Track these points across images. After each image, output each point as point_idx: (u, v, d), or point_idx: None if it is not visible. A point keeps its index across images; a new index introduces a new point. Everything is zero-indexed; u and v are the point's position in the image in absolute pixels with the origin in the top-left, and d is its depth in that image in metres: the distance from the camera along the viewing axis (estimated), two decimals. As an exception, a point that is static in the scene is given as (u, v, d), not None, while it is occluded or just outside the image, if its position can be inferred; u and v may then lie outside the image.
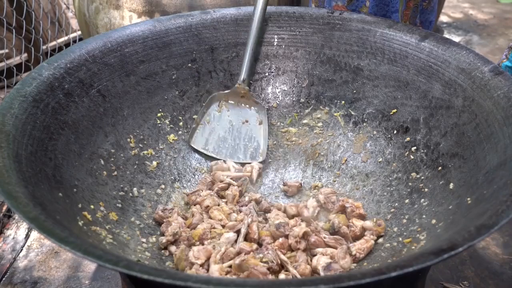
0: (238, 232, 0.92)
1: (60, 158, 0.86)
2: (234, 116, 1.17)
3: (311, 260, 0.89)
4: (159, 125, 1.11)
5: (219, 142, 1.15)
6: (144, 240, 0.93)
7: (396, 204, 0.99)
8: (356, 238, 0.96)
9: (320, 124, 1.18)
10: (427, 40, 1.05)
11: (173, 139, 1.12)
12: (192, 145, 1.14)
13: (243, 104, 1.17)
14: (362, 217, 1.00)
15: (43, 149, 0.83)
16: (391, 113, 1.09)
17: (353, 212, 0.99)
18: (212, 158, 1.15)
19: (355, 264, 0.91)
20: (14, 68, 1.97)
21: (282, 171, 1.16)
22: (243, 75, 1.14)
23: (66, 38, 2.36)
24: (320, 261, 0.87)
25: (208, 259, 0.87)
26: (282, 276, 0.84)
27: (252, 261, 0.82)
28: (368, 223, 0.96)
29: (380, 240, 0.95)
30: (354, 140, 1.14)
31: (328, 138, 1.16)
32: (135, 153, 1.05)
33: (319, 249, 0.90)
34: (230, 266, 0.84)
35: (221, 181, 1.07)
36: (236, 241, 0.91)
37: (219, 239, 0.91)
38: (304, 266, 0.86)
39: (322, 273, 0.85)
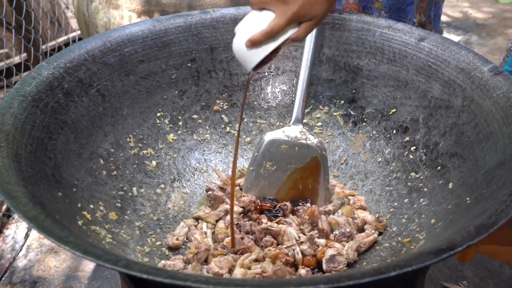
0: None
1: (60, 158, 0.86)
2: (287, 164, 1.03)
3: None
4: (159, 124, 1.11)
5: (274, 187, 1.05)
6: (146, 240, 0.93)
7: (395, 203, 0.99)
8: (359, 230, 0.97)
9: (319, 123, 1.18)
10: (426, 39, 1.05)
11: (172, 139, 1.12)
12: (248, 193, 1.06)
13: (297, 148, 1.02)
14: (363, 208, 1.01)
15: (43, 149, 0.83)
16: (391, 112, 1.10)
17: (355, 204, 1.01)
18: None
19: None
20: (14, 68, 1.97)
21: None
22: (295, 114, 1.04)
23: (65, 37, 2.36)
24: (326, 253, 0.89)
25: (230, 270, 0.87)
26: (302, 271, 0.86)
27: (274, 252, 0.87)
28: (369, 217, 0.97)
29: (379, 239, 0.95)
30: (354, 139, 1.14)
31: (328, 137, 1.16)
32: (135, 152, 1.05)
33: (322, 241, 0.92)
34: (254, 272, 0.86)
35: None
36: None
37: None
38: (309, 258, 0.90)
39: (325, 266, 0.87)
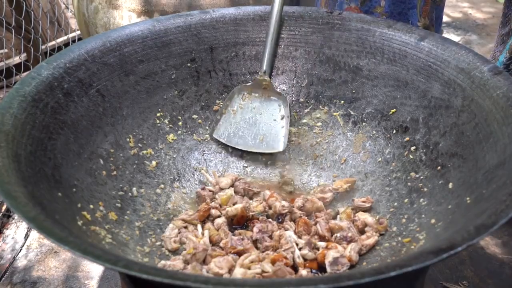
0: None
1: (60, 158, 0.86)
2: (256, 108, 1.17)
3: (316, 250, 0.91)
4: (159, 124, 1.11)
5: (240, 133, 1.16)
6: (146, 241, 0.93)
7: (395, 203, 0.99)
8: (359, 232, 0.97)
9: (319, 123, 1.18)
10: (426, 39, 1.05)
11: (172, 139, 1.12)
12: (215, 136, 1.16)
13: (265, 96, 1.17)
14: (368, 210, 1.01)
15: (42, 149, 0.83)
16: (391, 112, 1.10)
17: (359, 207, 1.01)
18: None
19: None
20: (14, 68, 1.97)
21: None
22: (264, 66, 1.15)
23: (65, 37, 2.36)
24: (328, 255, 0.88)
25: (230, 270, 0.86)
26: (303, 272, 0.86)
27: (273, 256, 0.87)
28: (369, 219, 0.97)
29: (379, 239, 0.95)
30: (353, 139, 1.14)
31: (328, 137, 1.16)
32: (135, 152, 1.05)
33: (322, 243, 0.92)
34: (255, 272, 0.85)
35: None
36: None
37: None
38: (310, 260, 0.90)
39: (329, 269, 0.87)
